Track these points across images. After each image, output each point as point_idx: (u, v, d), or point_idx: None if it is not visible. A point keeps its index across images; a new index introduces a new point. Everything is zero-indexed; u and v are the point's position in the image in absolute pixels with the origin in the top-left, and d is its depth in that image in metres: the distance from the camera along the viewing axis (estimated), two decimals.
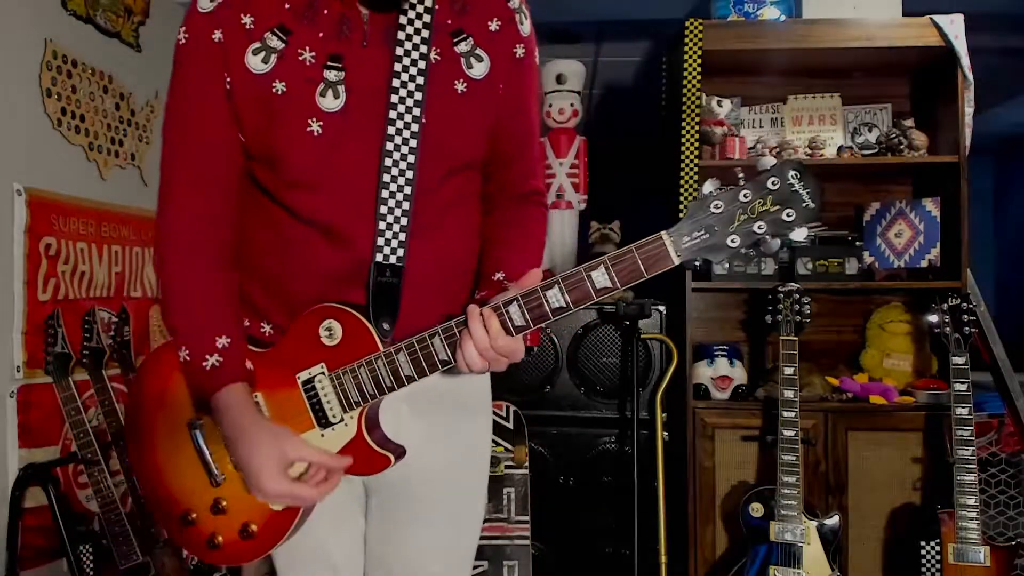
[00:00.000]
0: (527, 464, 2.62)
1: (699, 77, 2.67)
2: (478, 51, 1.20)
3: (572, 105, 3.14)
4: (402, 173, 1.16)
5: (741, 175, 1.06)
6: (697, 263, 1.06)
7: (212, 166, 1.19)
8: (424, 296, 1.19)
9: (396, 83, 1.15)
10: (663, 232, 1.04)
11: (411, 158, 1.16)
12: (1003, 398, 2.85)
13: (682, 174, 2.65)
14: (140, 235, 2.96)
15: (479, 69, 1.20)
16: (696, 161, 2.66)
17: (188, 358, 1.17)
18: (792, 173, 1.02)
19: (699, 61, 2.67)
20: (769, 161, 0.94)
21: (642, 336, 2.73)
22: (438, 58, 1.18)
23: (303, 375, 1.18)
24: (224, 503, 1.21)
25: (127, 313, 2.69)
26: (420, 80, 1.16)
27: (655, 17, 3.47)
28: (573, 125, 3.18)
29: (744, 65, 2.94)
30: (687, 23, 2.68)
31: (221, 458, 1.20)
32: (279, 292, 1.23)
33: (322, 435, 1.18)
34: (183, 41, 1.18)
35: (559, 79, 3.14)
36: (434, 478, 1.30)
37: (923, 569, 2.38)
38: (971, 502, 2.27)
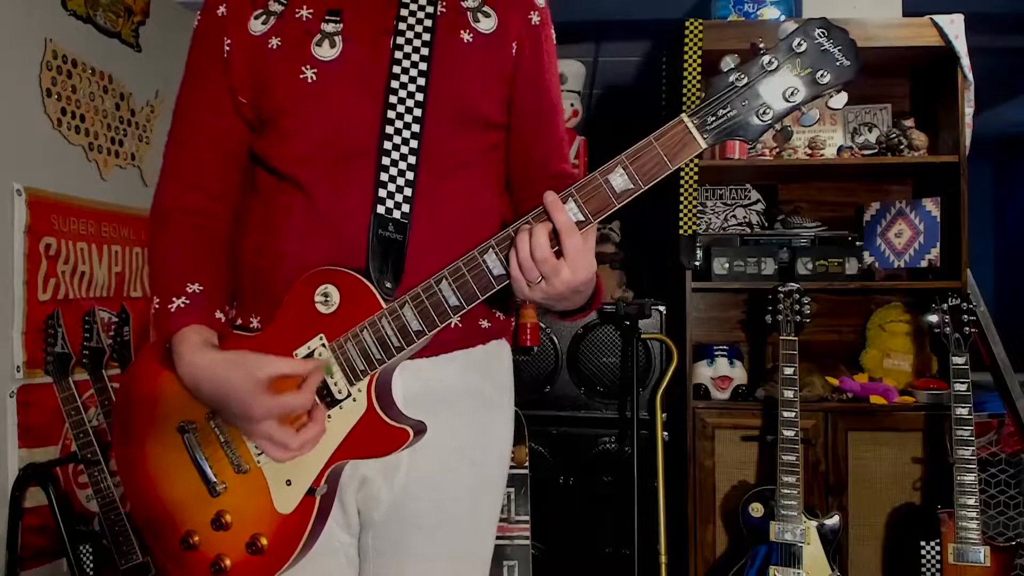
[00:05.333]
0: (527, 464, 2.62)
1: (699, 77, 2.67)
2: (485, 8, 1.19)
3: (572, 105, 3.14)
4: (407, 126, 1.10)
5: (761, 44, 0.95)
6: (747, 141, 0.94)
7: (207, 139, 1.18)
8: (432, 257, 1.07)
9: (402, 26, 1.13)
10: (683, 114, 0.95)
11: (417, 111, 1.11)
12: (1003, 398, 2.85)
13: (682, 174, 2.65)
14: (140, 235, 2.96)
15: (486, 24, 1.18)
16: (696, 161, 2.66)
17: (157, 306, 1.11)
18: (819, 31, 0.93)
19: (699, 61, 2.66)
20: (790, 25, 0.86)
21: (642, 336, 2.73)
22: (444, 10, 1.16)
23: (300, 351, 1.08)
24: (227, 516, 1.10)
25: (127, 313, 2.69)
26: (428, 23, 1.14)
27: (655, 17, 3.47)
28: (573, 125, 3.18)
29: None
30: (687, 23, 2.68)
31: (219, 462, 1.10)
32: (267, 276, 1.14)
33: (329, 417, 1.07)
34: (196, 23, 1.20)
35: (559, 79, 3.14)
36: (442, 506, 1.17)
37: (923, 569, 2.38)
38: (971, 502, 2.27)
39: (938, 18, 2.69)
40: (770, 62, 0.93)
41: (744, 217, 3.10)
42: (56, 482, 2.33)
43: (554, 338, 2.85)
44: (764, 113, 0.93)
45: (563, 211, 0.97)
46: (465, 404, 1.19)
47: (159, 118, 3.09)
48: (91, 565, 2.32)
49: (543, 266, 0.97)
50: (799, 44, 0.92)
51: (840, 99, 0.94)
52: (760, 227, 3.08)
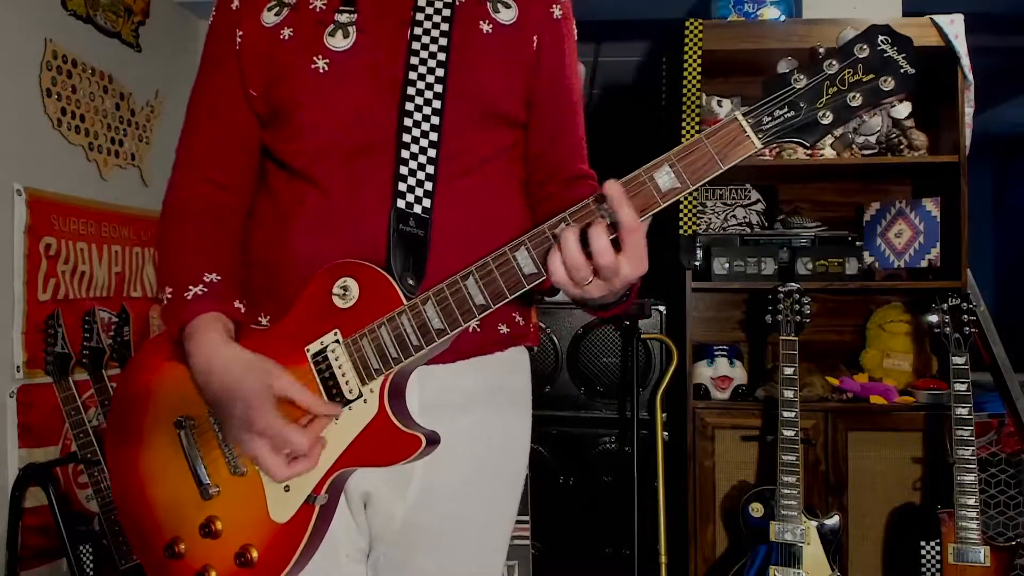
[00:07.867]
0: (527, 464, 2.62)
1: (699, 77, 2.67)
2: None
3: None
4: (426, 118, 1.06)
5: (821, 49, 0.92)
6: (793, 140, 0.88)
7: (221, 132, 1.15)
8: (456, 256, 1.02)
9: (420, 16, 1.10)
10: (737, 112, 0.91)
11: (436, 103, 1.07)
12: (1003, 398, 2.85)
13: None
14: (140, 235, 2.96)
15: (506, 15, 1.14)
16: None
17: (170, 295, 1.06)
18: (882, 37, 0.90)
19: (699, 61, 2.66)
20: (851, 33, 0.81)
21: (642, 336, 2.74)
22: (462, 0, 1.13)
23: (313, 346, 1.01)
24: (217, 523, 1.03)
25: (127, 313, 2.69)
26: (447, 13, 1.10)
27: (655, 17, 3.47)
28: None
29: (744, 65, 2.94)
30: (687, 23, 2.68)
31: (214, 463, 1.04)
32: (279, 273, 1.10)
33: (336, 419, 1.01)
34: (211, 18, 1.19)
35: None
36: (460, 519, 1.13)
37: (923, 569, 2.38)
38: (971, 502, 2.27)
39: (938, 18, 2.69)
40: (830, 65, 0.90)
41: (744, 217, 3.10)
42: (56, 482, 2.33)
43: (554, 338, 2.85)
44: (823, 116, 0.90)
45: (629, 206, 0.90)
46: (483, 413, 1.14)
47: (159, 118, 3.09)
48: (91, 565, 2.32)
49: (605, 270, 0.91)
50: (861, 48, 0.90)
51: (904, 108, 0.91)
52: (760, 227, 3.08)
